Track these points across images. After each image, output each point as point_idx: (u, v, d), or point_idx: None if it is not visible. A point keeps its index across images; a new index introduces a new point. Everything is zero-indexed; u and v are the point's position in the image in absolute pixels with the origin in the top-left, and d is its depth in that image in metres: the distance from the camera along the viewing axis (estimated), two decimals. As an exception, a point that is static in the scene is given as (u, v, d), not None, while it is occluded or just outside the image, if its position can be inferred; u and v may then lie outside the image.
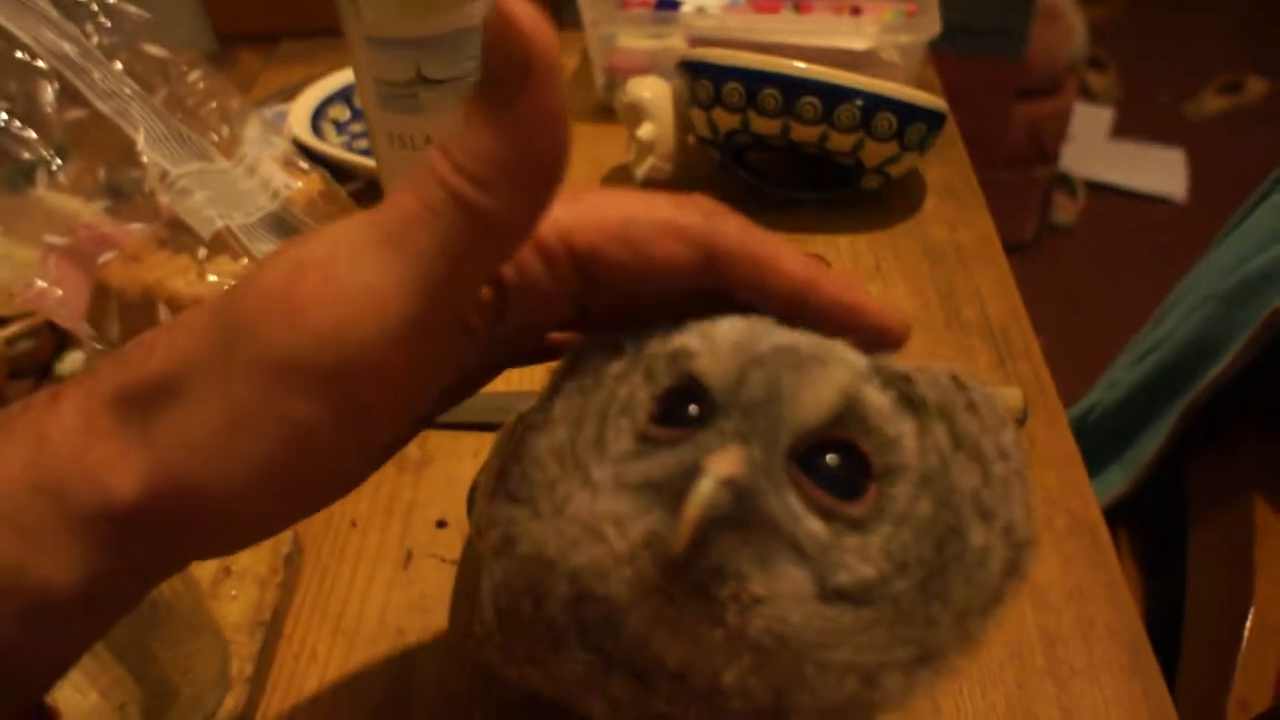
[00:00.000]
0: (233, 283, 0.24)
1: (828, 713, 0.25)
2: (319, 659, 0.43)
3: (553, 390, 0.29)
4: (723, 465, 0.22)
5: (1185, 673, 0.64)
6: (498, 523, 0.28)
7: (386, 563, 0.48)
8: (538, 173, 0.22)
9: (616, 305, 0.28)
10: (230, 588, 0.45)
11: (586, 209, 0.26)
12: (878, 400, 0.25)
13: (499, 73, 0.21)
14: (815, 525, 0.23)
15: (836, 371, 0.24)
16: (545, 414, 0.28)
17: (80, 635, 0.24)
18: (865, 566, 0.23)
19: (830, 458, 0.24)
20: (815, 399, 0.24)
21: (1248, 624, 0.61)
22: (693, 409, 0.25)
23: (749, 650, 0.23)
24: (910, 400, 0.25)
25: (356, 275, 0.21)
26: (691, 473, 0.22)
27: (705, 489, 0.21)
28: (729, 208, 0.27)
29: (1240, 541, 0.65)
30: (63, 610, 0.22)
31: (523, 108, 0.21)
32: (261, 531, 0.25)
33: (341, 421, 0.22)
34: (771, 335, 0.25)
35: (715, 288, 0.27)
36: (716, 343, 0.25)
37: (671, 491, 0.23)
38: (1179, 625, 0.69)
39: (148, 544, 0.23)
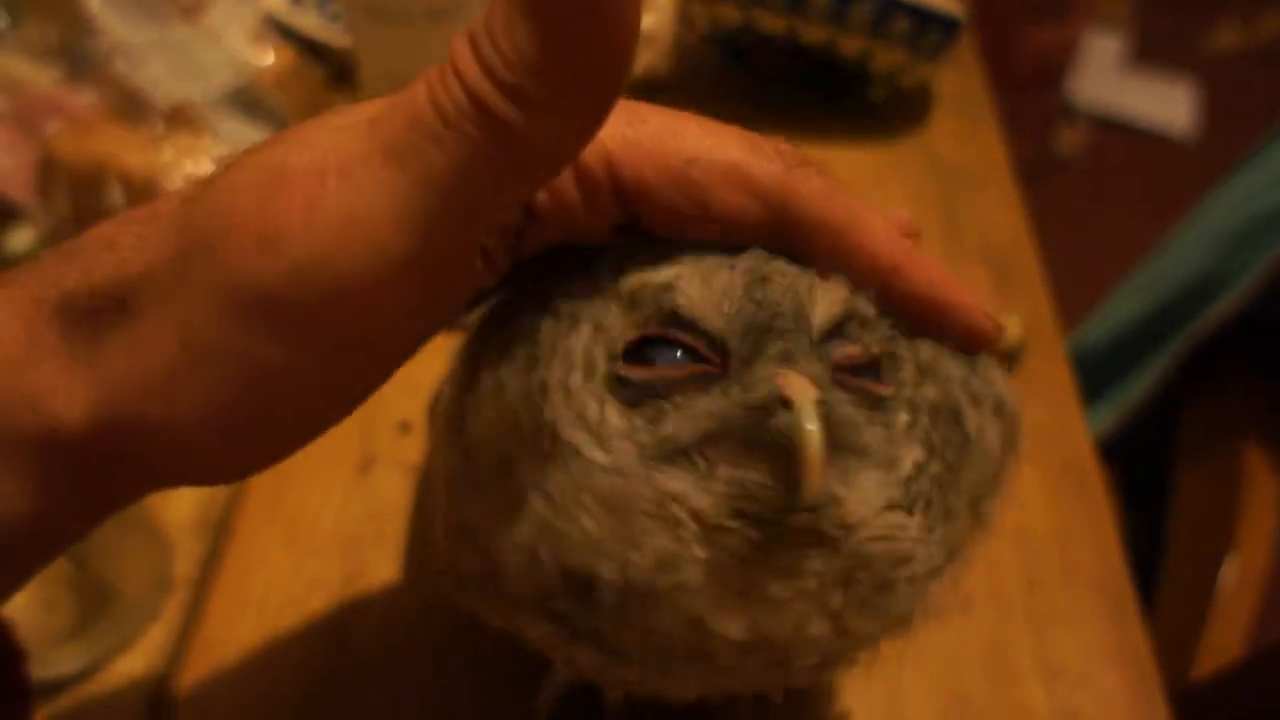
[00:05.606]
0: (200, 166, 0.20)
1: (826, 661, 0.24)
2: (269, 564, 0.41)
3: (501, 321, 0.24)
4: (807, 391, 0.19)
5: (1160, 617, 0.63)
6: (463, 531, 0.25)
7: (345, 467, 0.45)
8: (592, 87, 0.17)
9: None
10: (178, 485, 0.42)
11: (643, 136, 0.21)
12: (867, 305, 0.23)
13: None
14: (870, 425, 0.22)
15: (832, 286, 0.23)
16: (498, 351, 0.23)
17: (14, 574, 0.21)
18: (914, 450, 0.22)
19: (849, 347, 0.22)
20: (827, 301, 0.22)
21: (1225, 573, 0.60)
22: (678, 354, 0.22)
23: (841, 585, 0.21)
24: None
25: (347, 199, 0.17)
26: (759, 412, 0.19)
27: (809, 421, 0.19)
28: (814, 159, 0.23)
29: (1227, 488, 0.63)
30: None
31: None
32: (221, 475, 0.22)
33: (312, 365, 0.19)
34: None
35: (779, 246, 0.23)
36: (704, 275, 0.22)
37: (741, 441, 0.20)
38: (1154, 564, 0.68)
39: (95, 479, 0.20)
